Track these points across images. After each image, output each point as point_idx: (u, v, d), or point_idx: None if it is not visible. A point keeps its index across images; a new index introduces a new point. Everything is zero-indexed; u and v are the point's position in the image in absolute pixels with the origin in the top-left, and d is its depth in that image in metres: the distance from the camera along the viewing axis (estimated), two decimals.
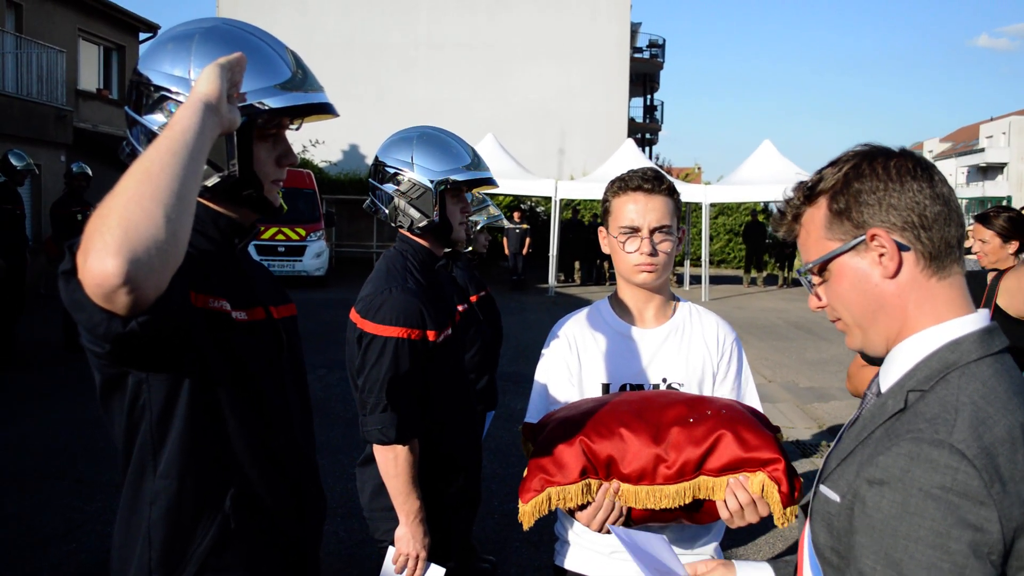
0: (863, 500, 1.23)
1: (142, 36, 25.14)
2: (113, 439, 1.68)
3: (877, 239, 1.33)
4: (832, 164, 1.41)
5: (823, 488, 1.39)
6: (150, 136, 1.68)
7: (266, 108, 1.68)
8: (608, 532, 2.07)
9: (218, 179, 1.69)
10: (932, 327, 1.34)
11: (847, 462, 1.35)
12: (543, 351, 2.50)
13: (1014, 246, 4.64)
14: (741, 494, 1.99)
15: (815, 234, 1.42)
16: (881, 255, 1.34)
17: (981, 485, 1.15)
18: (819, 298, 1.47)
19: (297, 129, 1.82)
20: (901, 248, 1.33)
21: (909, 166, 1.35)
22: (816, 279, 1.46)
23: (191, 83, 1.65)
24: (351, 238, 26.66)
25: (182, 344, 1.52)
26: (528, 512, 2.08)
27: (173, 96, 1.67)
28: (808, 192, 1.42)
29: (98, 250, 1.19)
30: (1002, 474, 1.16)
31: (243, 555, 1.72)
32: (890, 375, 1.38)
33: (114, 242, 1.19)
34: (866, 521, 1.22)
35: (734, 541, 5.25)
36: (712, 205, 22.57)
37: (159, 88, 1.68)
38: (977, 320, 1.34)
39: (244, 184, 1.72)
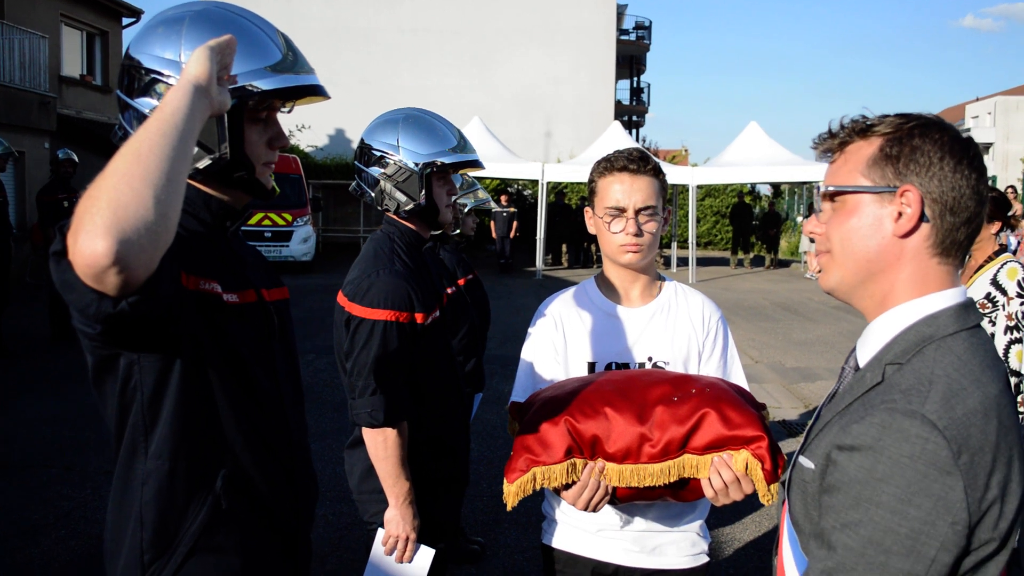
0: (835, 464, 1.27)
1: (125, 21, 24.77)
2: (105, 421, 1.69)
3: (907, 196, 1.34)
4: (899, 115, 1.40)
5: (801, 459, 1.42)
6: (141, 119, 1.68)
7: (257, 90, 1.68)
8: (594, 511, 2.10)
9: (209, 161, 1.70)
10: (913, 300, 1.36)
11: (823, 432, 1.38)
12: (529, 330, 2.51)
13: (996, 226, 4.68)
14: (725, 472, 2.01)
15: (852, 164, 1.41)
16: (901, 214, 1.35)
17: (949, 456, 1.18)
18: (819, 223, 1.47)
19: (289, 112, 1.83)
20: (922, 218, 1.34)
21: (971, 155, 1.36)
22: (827, 204, 1.46)
23: (182, 66, 1.65)
24: (338, 223, 26.59)
25: (173, 325, 1.52)
26: (513, 492, 2.09)
27: (164, 79, 1.68)
28: (864, 128, 1.42)
29: (88, 231, 1.21)
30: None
31: (235, 535, 1.73)
32: (867, 348, 1.41)
33: (103, 223, 1.20)
34: (832, 484, 1.26)
35: (719, 519, 5.30)
36: (699, 187, 22.61)
37: (150, 71, 1.69)
38: (955, 295, 1.36)
39: (236, 166, 1.73)
